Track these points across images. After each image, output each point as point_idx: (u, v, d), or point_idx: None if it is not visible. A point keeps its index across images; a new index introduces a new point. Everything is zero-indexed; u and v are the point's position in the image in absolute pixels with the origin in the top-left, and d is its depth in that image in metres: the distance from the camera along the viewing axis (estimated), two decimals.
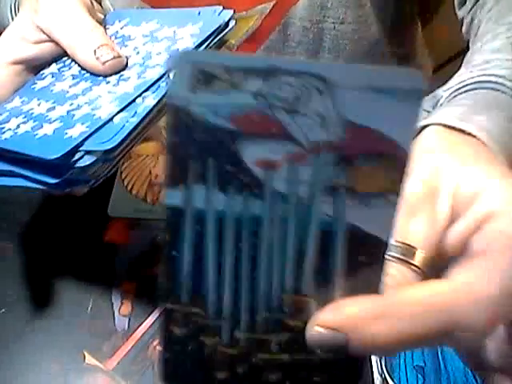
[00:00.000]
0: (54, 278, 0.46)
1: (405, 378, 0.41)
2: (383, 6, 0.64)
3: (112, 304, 0.45)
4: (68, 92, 0.37)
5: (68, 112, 0.35)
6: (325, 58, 0.66)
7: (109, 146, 0.32)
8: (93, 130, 0.32)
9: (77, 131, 0.33)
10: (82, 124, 0.33)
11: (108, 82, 0.36)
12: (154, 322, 0.44)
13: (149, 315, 0.44)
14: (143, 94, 0.34)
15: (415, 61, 0.73)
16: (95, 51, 0.36)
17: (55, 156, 0.31)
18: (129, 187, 0.53)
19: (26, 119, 0.35)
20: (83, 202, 0.51)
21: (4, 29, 0.55)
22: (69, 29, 0.36)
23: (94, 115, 0.34)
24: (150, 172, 0.54)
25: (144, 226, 0.50)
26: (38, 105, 0.37)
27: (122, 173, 0.54)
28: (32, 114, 0.36)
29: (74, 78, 0.38)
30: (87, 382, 0.41)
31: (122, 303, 0.45)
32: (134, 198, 0.52)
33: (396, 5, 0.66)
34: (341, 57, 0.66)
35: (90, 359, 0.42)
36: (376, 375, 0.41)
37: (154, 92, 0.34)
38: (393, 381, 0.41)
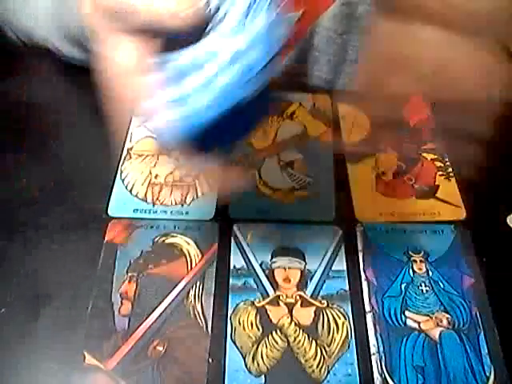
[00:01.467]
0: (54, 278, 0.46)
1: (405, 377, 0.41)
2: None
3: (112, 304, 0.45)
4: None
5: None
6: (346, 71, 0.65)
7: None
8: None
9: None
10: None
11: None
12: (154, 322, 0.44)
13: (149, 315, 0.44)
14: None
15: None
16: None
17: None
18: (129, 187, 0.53)
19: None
20: (83, 202, 0.51)
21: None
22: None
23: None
24: (150, 172, 0.54)
25: (144, 226, 0.50)
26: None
27: (122, 173, 0.54)
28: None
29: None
30: (87, 382, 0.41)
31: (121, 303, 0.45)
32: (134, 198, 0.52)
33: None
34: (341, 63, 0.66)
35: (90, 359, 0.42)
36: (376, 375, 0.41)
37: None
38: (393, 381, 0.41)
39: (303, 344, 0.43)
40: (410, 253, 0.48)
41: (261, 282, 0.46)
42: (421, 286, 0.46)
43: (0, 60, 0.61)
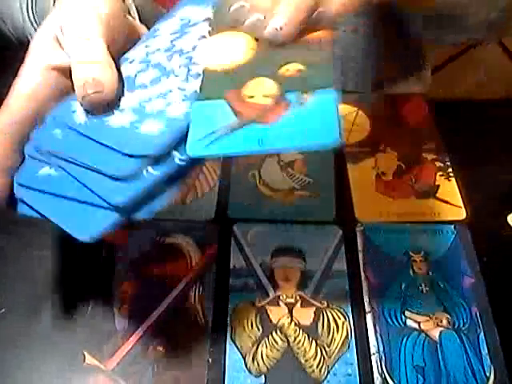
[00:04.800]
0: (54, 278, 0.46)
1: (405, 378, 0.41)
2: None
3: (112, 304, 0.45)
4: (135, 78, 0.33)
5: (139, 103, 0.32)
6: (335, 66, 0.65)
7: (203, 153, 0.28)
8: (175, 131, 0.30)
9: (152, 128, 0.30)
10: (155, 120, 0.30)
11: (177, 76, 0.33)
12: (154, 322, 0.44)
13: (149, 315, 0.44)
14: None
15: (421, 61, 0.74)
16: (83, 85, 0.32)
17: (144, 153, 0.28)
18: None
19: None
20: None
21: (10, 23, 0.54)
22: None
23: (165, 112, 0.31)
24: None
25: (144, 226, 0.50)
26: None
27: None
28: None
29: (140, 63, 0.34)
30: (87, 382, 0.41)
31: (122, 303, 0.45)
32: None
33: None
34: (351, 65, 0.66)
35: (89, 359, 0.42)
36: (376, 375, 0.41)
37: None
38: (393, 381, 0.41)
39: (303, 344, 0.43)
40: (410, 253, 0.48)
41: (261, 282, 0.46)
42: (421, 286, 0.46)
43: None
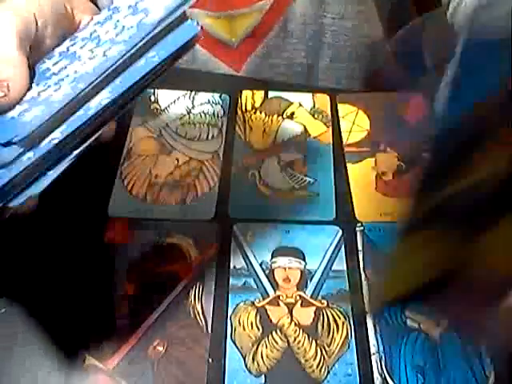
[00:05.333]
0: (54, 278, 0.46)
1: (405, 377, 0.41)
2: (383, 4, 0.65)
3: (112, 304, 0.45)
4: (49, 70, 0.34)
5: (38, 92, 0.32)
6: (325, 53, 0.66)
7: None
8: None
9: (32, 114, 0.30)
10: (39, 106, 0.31)
11: (80, 60, 0.33)
12: (154, 322, 0.44)
13: (149, 315, 0.44)
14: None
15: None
16: None
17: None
18: (129, 187, 0.53)
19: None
20: (83, 202, 0.51)
21: None
22: None
23: (50, 97, 0.31)
24: (150, 172, 0.54)
25: (144, 226, 0.50)
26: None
27: (121, 173, 0.54)
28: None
29: (59, 56, 0.35)
30: (87, 382, 0.41)
31: (122, 302, 0.45)
32: (134, 198, 0.52)
33: (396, 3, 0.66)
34: (341, 53, 0.66)
35: (89, 359, 0.42)
36: (376, 375, 0.41)
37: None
38: (393, 381, 0.41)
39: (303, 344, 0.43)
40: None
41: (261, 281, 0.46)
42: None
43: None
